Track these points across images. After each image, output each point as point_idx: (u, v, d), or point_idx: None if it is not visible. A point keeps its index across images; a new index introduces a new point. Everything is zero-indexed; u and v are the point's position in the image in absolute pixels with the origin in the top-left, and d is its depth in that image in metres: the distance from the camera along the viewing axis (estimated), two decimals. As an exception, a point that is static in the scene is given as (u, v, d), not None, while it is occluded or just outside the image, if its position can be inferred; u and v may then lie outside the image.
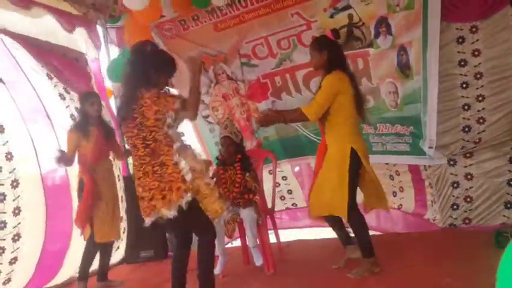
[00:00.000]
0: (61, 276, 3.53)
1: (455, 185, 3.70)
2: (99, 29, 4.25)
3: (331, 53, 2.71)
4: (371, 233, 2.97)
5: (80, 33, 3.95)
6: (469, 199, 3.67)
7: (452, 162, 3.67)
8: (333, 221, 2.95)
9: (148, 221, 2.31)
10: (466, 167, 3.63)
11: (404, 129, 3.76)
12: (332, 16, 3.91)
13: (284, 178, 4.77)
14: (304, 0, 3.92)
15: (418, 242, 3.40)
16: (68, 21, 3.70)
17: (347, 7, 3.82)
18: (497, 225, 3.38)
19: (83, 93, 3.42)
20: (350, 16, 3.86)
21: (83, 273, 3.22)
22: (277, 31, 4.15)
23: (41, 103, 3.49)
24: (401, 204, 4.18)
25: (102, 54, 4.31)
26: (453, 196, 3.70)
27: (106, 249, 3.38)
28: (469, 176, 3.64)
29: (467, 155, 3.60)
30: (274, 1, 3.98)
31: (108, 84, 4.35)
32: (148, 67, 2.26)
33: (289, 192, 4.85)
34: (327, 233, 3.90)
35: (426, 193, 3.91)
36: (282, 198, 4.85)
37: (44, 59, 3.52)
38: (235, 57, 4.40)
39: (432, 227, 3.78)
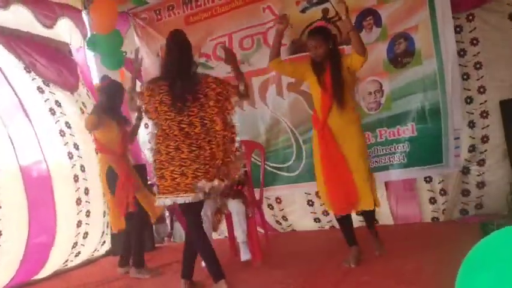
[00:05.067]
0: (47, 270, 3.65)
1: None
2: (84, 18, 4.31)
3: (333, 42, 2.88)
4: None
5: (63, 24, 4.00)
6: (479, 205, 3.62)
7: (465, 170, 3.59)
8: (347, 220, 2.96)
9: (189, 199, 2.56)
10: (478, 175, 3.57)
11: (393, 133, 3.67)
12: (303, 11, 3.87)
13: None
14: (278, -9, 3.87)
15: (408, 234, 3.50)
16: (49, 14, 3.76)
17: (323, 1, 3.79)
18: (483, 217, 3.42)
19: (109, 81, 3.55)
20: (325, 11, 3.80)
21: (140, 260, 3.43)
22: (244, 27, 4.11)
23: (17, 97, 3.54)
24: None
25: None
26: (463, 182, 3.63)
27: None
28: (480, 185, 3.58)
29: (481, 162, 3.55)
30: None
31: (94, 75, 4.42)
32: (191, 53, 2.75)
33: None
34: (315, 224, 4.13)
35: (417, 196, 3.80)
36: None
37: (21, 51, 3.57)
38: (195, 55, 4.33)
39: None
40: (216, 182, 2.56)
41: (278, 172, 4.14)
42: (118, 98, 3.48)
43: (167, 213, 5.05)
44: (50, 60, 3.83)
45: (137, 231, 3.43)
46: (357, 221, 3.83)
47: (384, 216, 3.87)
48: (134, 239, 3.43)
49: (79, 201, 3.86)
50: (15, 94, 3.53)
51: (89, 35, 4.23)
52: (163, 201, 2.63)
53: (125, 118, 3.65)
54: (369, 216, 3.01)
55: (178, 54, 2.66)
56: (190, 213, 2.74)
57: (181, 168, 2.55)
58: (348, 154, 2.81)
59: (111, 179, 3.33)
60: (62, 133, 3.85)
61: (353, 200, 2.81)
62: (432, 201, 3.74)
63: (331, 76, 2.81)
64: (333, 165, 2.83)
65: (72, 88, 3.99)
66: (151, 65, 4.63)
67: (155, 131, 2.65)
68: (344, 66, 2.81)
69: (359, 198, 2.80)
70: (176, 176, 2.56)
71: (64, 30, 4.12)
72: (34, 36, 3.83)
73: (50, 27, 3.85)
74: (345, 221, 2.95)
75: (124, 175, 3.32)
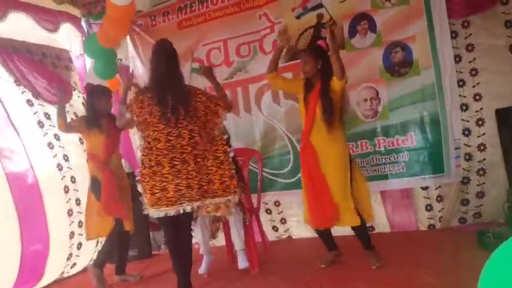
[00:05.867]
0: (44, 282, 3.67)
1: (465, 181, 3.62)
2: (83, 25, 4.42)
3: (325, 63, 2.92)
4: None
5: (64, 30, 4.07)
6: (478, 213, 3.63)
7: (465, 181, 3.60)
8: (325, 231, 3.11)
9: (172, 211, 2.64)
10: (478, 185, 3.59)
11: (392, 142, 3.67)
12: (298, 17, 3.92)
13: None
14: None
15: (405, 241, 3.53)
16: (51, 20, 3.82)
17: (318, 6, 3.82)
18: (480, 225, 3.43)
19: (92, 86, 3.54)
20: (320, 16, 3.84)
21: (100, 261, 3.45)
22: (240, 34, 4.11)
23: (5, 111, 3.56)
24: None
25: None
26: (462, 192, 3.64)
27: (124, 242, 3.54)
28: (480, 194, 3.60)
29: (480, 172, 3.56)
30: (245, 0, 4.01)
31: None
32: (178, 62, 2.75)
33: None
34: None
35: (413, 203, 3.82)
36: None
37: (13, 65, 3.60)
38: (188, 60, 4.30)
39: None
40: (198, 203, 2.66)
41: (274, 178, 4.16)
42: (103, 101, 3.44)
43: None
44: (40, 74, 3.84)
45: (115, 238, 3.45)
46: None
47: (381, 224, 3.90)
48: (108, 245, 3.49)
49: (70, 212, 3.88)
50: (4, 107, 3.56)
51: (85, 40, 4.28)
52: (147, 212, 2.71)
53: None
54: (361, 233, 3.00)
55: (166, 64, 2.65)
56: (168, 225, 2.79)
57: (163, 184, 2.58)
58: (328, 172, 2.91)
59: (96, 187, 3.35)
60: (50, 145, 3.86)
61: (329, 215, 2.90)
62: (429, 208, 3.76)
63: (320, 96, 2.89)
64: (312, 181, 2.95)
65: (63, 101, 3.94)
66: (145, 73, 4.68)
67: (142, 143, 2.68)
68: (331, 87, 2.88)
69: (337, 214, 2.88)
70: (156, 191, 2.59)
71: (64, 37, 4.17)
72: (31, 45, 3.85)
73: (55, 30, 3.92)
74: (322, 232, 3.12)
75: (106, 182, 3.30)
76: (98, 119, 3.40)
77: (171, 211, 2.63)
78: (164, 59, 2.67)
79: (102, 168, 3.34)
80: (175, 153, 2.58)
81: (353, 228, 2.99)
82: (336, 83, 2.85)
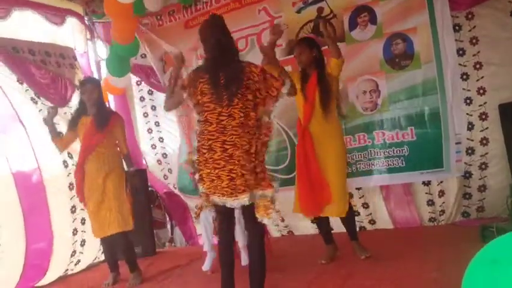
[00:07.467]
0: (48, 279, 3.71)
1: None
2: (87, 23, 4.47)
3: (319, 52, 3.03)
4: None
5: (69, 25, 4.14)
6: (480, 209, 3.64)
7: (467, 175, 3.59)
8: (323, 222, 3.16)
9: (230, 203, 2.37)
10: (480, 179, 3.59)
11: (392, 136, 3.65)
12: (299, 11, 3.91)
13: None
14: (274, -6, 3.86)
15: (406, 238, 3.53)
16: (56, 14, 3.89)
17: (318, 0, 3.82)
18: (484, 220, 3.41)
19: (82, 81, 3.55)
20: (320, 9, 3.83)
21: (109, 265, 3.52)
22: (239, 28, 4.11)
23: (13, 108, 3.59)
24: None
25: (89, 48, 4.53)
26: (465, 186, 3.64)
27: (120, 242, 3.47)
28: (482, 188, 3.59)
29: (483, 166, 3.56)
30: None
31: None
32: (230, 38, 2.51)
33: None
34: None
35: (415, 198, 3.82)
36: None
37: (14, 65, 3.64)
38: (192, 58, 4.34)
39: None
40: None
41: (274, 174, 4.17)
42: (85, 95, 3.36)
43: (167, 219, 5.13)
44: (41, 75, 3.87)
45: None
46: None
47: (383, 220, 3.91)
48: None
49: (73, 209, 3.90)
50: (11, 104, 3.60)
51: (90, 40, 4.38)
52: (203, 201, 2.51)
53: (102, 118, 3.35)
54: (349, 224, 3.10)
55: (215, 40, 2.43)
56: (223, 216, 2.56)
57: (216, 171, 2.34)
58: (327, 162, 2.95)
59: None
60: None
61: (321, 205, 2.96)
62: (430, 203, 3.75)
63: (318, 85, 2.95)
64: (307, 169, 2.99)
65: (60, 104, 3.95)
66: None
67: (197, 128, 2.47)
68: (328, 72, 2.94)
69: (329, 203, 2.94)
70: (213, 178, 2.36)
71: (69, 34, 4.23)
72: (34, 44, 3.87)
73: (61, 23, 3.98)
74: (321, 223, 3.17)
75: (75, 173, 3.38)
76: (78, 116, 3.41)
77: (228, 202, 2.39)
78: (216, 34, 2.44)
79: (77, 168, 3.38)
80: (226, 135, 2.33)
81: (341, 219, 3.05)
82: (333, 63, 2.92)
